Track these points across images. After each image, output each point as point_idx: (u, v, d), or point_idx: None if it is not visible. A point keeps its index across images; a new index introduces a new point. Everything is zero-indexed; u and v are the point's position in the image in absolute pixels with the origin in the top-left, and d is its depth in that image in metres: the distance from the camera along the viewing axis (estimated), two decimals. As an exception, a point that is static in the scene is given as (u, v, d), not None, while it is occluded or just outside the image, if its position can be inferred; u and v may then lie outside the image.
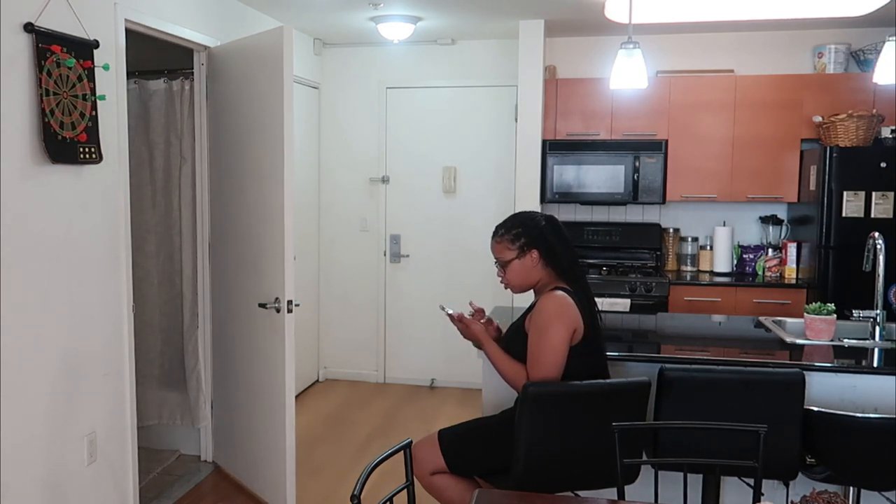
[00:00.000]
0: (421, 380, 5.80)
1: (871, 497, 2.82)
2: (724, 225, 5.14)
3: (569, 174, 5.06)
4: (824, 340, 3.13)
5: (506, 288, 2.71)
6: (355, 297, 5.85)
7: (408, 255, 5.75)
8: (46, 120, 2.68)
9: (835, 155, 4.46)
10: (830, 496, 1.72)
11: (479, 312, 2.82)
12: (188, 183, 4.01)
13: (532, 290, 2.71)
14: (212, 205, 3.95)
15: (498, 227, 2.69)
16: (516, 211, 2.88)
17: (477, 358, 2.82)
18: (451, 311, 2.72)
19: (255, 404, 3.59)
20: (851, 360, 2.99)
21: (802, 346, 3.11)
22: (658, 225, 5.27)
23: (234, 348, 3.78)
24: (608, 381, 2.59)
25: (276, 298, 3.34)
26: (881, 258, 3.14)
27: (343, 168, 5.78)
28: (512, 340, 2.69)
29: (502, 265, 2.65)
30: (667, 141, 4.96)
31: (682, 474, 2.21)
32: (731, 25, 4.91)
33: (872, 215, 4.42)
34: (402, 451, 2.04)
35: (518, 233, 2.62)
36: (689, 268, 5.22)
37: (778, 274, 4.95)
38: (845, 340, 3.16)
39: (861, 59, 4.90)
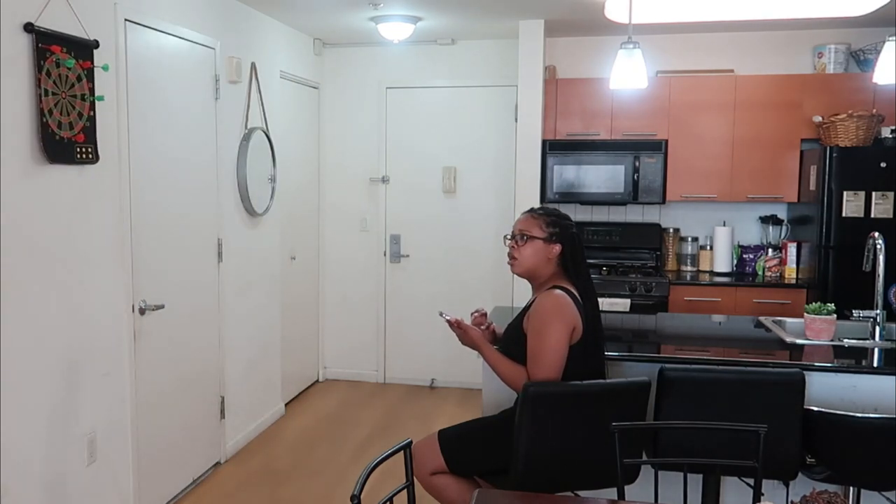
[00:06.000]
0: (421, 380, 5.80)
1: (871, 497, 2.82)
2: (724, 225, 5.13)
3: (569, 174, 5.05)
4: (824, 340, 3.13)
5: (509, 262, 2.70)
6: (355, 297, 5.85)
7: (408, 255, 5.75)
8: (45, 120, 2.68)
9: (835, 155, 4.46)
10: (830, 496, 1.72)
11: (480, 316, 2.83)
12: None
13: (531, 287, 2.72)
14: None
15: (538, 208, 2.74)
16: (516, 211, 2.89)
17: (476, 358, 2.82)
18: (449, 317, 2.71)
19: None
20: (851, 360, 2.99)
21: (802, 346, 3.11)
22: (658, 225, 5.27)
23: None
24: (608, 381, 2.59)
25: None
26: (881, 258, 3.14)
27: (343, 168, 5.77)
28: (510, 341, 2.69)
29: (526, 238, 2.65)
30: (667, 141, 4.96)
31: (682, 474, 2.21)
32: (731, 25, 4.90)
33: (872, 215, 4.42)
34: (402, 451, 2.04)
35: (555, 222, 2.65)
36: (689, 268, 5.22)
37: (778, 274, 4.94)
38: (845, 340, 3.16)
39: (861, 59, 4.90)
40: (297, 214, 5.33)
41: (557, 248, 2.62)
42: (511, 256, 2.69)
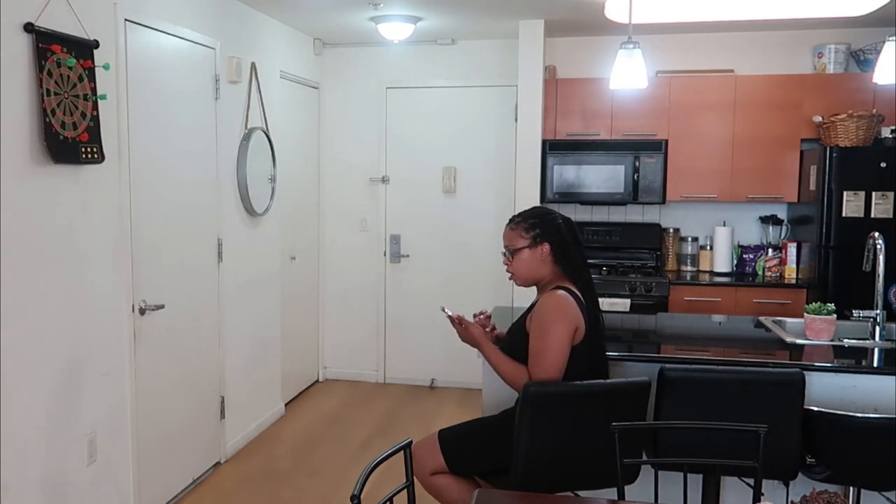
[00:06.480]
0: (421, 380, 5.80)
1: (871, 497, 2.82)
2: (724, 225, 5.14)
3: (569, 174, 5.06)
4: (824, 340, 3.13)
5: (510, 278, 2.71)
6: (355, 297, 5.85)
7: (408, 255, 5.75)
8: (48, 120, 2.68)
9: (835, 155, 4.46)
10: (830, 496, 1.72)
11: (485, 318, 2.83)
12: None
13: (535, 288, 2.72)
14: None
15: (515, 216, 2.71)
16: (516, 211, 2.88)
17: (477, 358, 2.83)
18: (450, 313, 2.71)
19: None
20: (851, 360, 2.99)
21: (802, 346, 3.11)
22: (658, 225, 5.27)
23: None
24: (608, 381, 2.59)
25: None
26: (881, 258, 3.14)
27: (343, 168, 5.78)
28: (513, 340, 2.69)
29: (512, 253, 2.65)
30: (667, 141, 4.96)
31: (682, 474, 2.21)
32: (731, 25, 4.90)
33: (872, 215, 4.42)
34: (402, 451, 2.04)
35: (534, 223, 2.63)
36: (689, 268, 5.22)
37: (778, 274, 4.94)
38: (845, 340, 3.16)
39: (861, 59, 4.90)
40: (297, 214, 5.33)
41: (546, 247, 2.61)
42: (509, 272, 2.70)
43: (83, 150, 2.87)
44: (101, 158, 2.98)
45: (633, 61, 3.36)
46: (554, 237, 2.61)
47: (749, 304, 4.70)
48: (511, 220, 2.69)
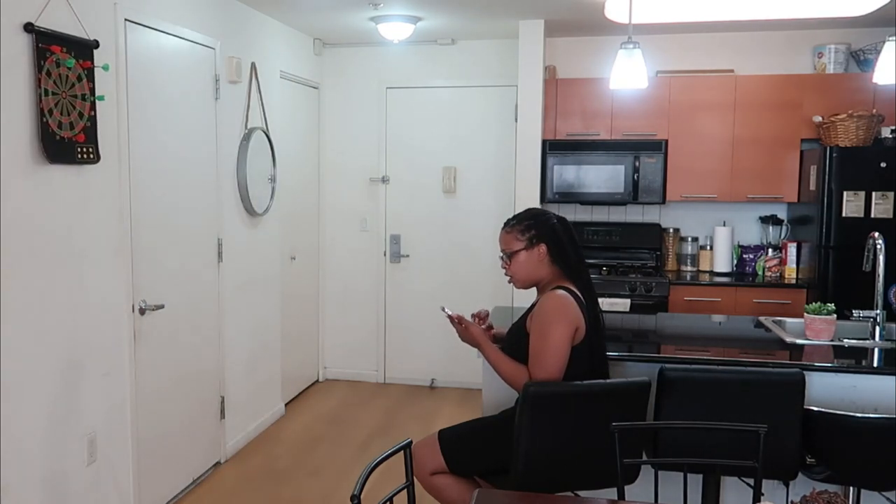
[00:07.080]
0: (421, 380, 5.80)
1: (871, 497, 2.82)
2: (724, 225, 5.14)
3: (569, 174, 5.06)
4: (824, 340, 3.13)
5: (510, 282, 2.71)
6: (355, 297, 5.85)
7: (408, 255, 5.75)
8: (45, 120, 2.68)
9: (835, 155, 4.46)
10: (830, 496, 1.72)
11: (482, 318, 2.83)
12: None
13: (535, 289, 2.72)
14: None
15: (509, 219, 2.71)
16: (516, 211, 2.88)
17: (476, 358, 2.82)
18: (450, 313, 2.71)
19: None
20: (851, 360, 2.99)
21: (802, 346, 3.11)
22: (658, 225, 5.27)
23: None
24: (608, 381, 2.59)
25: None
26: (881, 258, 3.14)
27: (343, 168, 5.78)
28: (513, 340, 2.69)
29: (509, 256, 2.65)
30: (667, 141, 4.96)
31: (682, 474, 2.21)
32: (731, 25, 4.90)
33: (872, 215, 4.42)
34: (402, 451, 2.04)
35: (529, 225, 2.63)
36: (689, 268, 5.22)
37: (778, 274, 4.94)
38: (845, 340, 3.16)
39: (861, 59, 4.90)
40: (297, 214, 5.33)
41: (543, 248, 2.61)
42: (508, 276, 2.70)
43: (79, 150, 2.87)
44: (97, 159, 2.98)
45: (633, 61, 3.36)
46: (550, 237, 2.61)
47: (749, 304, 4.70)
48: (506, 224, 2.69)
